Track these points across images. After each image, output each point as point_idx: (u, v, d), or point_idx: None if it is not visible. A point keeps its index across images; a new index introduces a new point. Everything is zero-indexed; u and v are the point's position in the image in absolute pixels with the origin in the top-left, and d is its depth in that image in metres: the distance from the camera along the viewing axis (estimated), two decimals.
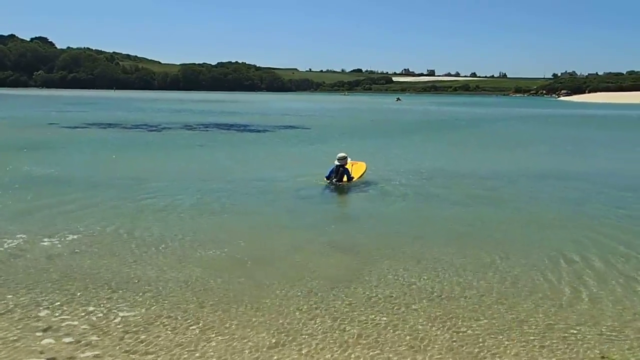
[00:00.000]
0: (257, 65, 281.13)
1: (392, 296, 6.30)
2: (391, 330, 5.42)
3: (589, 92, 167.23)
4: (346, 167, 13.58)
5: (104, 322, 5.52)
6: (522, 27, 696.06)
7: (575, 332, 5.45)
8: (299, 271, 7.12)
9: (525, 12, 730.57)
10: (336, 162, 13.46)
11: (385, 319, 5.67)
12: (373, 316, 5.74)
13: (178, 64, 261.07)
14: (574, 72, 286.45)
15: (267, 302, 6.06)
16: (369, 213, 10.76)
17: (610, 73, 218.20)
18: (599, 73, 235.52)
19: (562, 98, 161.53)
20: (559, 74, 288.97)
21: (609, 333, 5.44)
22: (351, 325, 5.53)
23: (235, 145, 23.59)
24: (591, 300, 6.27)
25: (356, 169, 14.31)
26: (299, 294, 6.33)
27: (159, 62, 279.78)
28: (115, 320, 5.55)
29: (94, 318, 5.60)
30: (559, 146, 25.04)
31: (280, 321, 5.58)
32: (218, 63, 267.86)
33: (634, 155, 22.12)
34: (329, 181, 13.47)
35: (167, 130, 30.79)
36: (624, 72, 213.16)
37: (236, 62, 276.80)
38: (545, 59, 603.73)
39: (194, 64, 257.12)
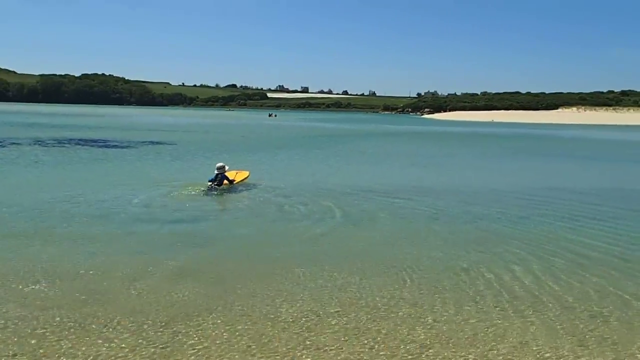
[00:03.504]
0: (126, 78, 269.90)
1: (247, 327, 5.86)
2: None
3: (450, 111, 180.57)
4: (225, 174, 14.69)
5: None
6: (389, 45, 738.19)
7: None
8: (140, 304, 6.41)
9: (393, 31, 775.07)
10: (215, 171, 14.68)
11: (237, 356, 5.20)
12: (222, 352, 5.25)
13: (37, 74, 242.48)
14: (436, 91, 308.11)
15: (98, 343, 5.34)
16: (222, 233, 10.24)
17: (466, 93, 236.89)
18: (457, 93, 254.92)
19: (425, 116, 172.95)
20: (423, 93, 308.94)
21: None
22: None
23: (87, 162, 21.72)
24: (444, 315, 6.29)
25: (239, 176, 15.63)
26: (138, 331, 5.66)
27: (15, 72, 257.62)
28: None
29: None
30: (417, 161, 26.32)
31: None
32: (82, 74, 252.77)
33: (483, 169, 23.77)
34: (210, 184, 14.42)
35: (13, 145, 27.83)
36: (479, 93, 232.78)
37: (102, 74, 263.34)
38: (411, 79, 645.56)
39: (55, 74, 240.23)
